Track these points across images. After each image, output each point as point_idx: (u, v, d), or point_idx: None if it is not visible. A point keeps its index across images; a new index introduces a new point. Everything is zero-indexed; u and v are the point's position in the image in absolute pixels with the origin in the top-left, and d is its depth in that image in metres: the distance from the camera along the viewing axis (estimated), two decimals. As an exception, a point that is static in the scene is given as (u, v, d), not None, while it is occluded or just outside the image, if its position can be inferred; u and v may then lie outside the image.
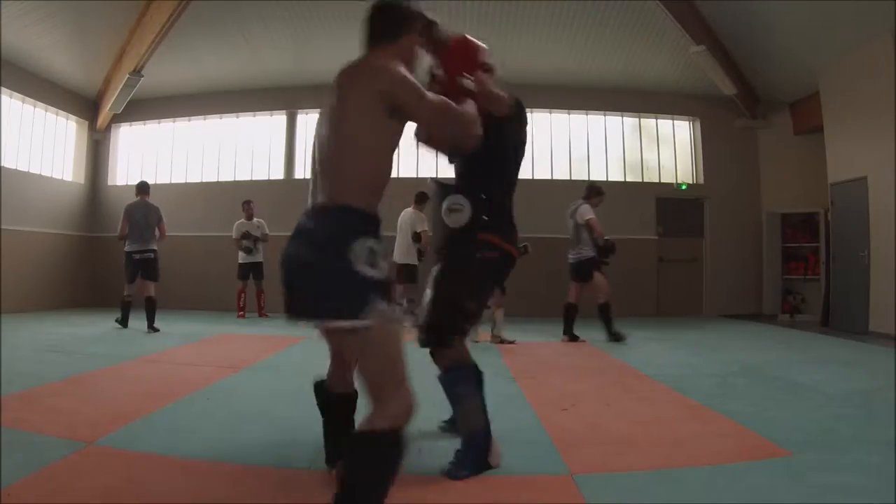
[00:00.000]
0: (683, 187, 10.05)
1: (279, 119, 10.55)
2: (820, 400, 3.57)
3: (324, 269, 1.62)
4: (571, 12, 8.39)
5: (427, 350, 2.42)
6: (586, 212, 6.73)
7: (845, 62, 7.65)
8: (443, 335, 2.38)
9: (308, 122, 10.54)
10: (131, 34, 8.81)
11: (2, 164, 8.48)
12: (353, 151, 1.70)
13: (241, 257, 8.75)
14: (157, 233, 7.04)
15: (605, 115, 10.25)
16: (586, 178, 10.11)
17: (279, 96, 10.31)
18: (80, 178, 10.36)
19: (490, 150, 2.32)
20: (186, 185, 10.54)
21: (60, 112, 9.82)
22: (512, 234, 2.47)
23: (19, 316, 7.69)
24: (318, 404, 2.36)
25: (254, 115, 10.60)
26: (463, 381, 2.39)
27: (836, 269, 8.12)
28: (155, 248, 6.96)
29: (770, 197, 9.89)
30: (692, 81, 9.45)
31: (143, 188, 7.27)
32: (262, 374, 4.36)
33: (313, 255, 1.65)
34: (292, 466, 2.34)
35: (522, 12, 8.39)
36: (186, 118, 10.71)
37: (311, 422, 2.97)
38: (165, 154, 10.74)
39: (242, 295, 8.84)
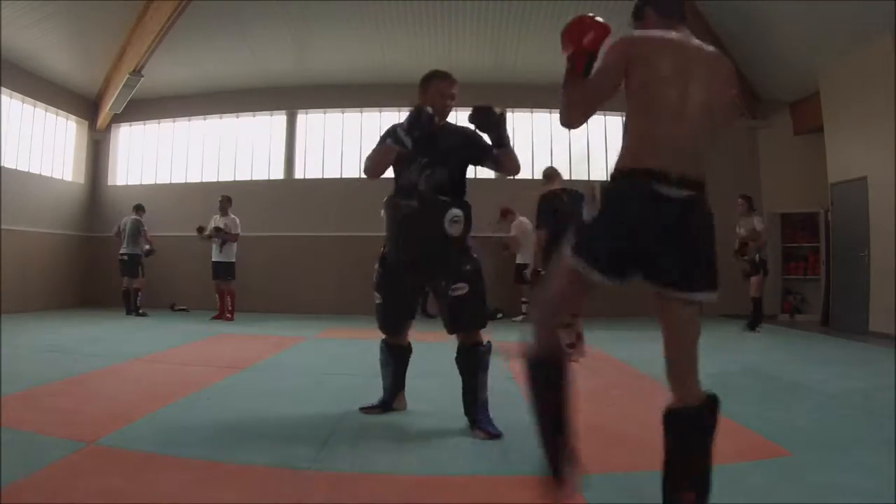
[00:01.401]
0: (683, 187, 10.04)
1: (279, 119, 10.55)
2: (820, 400, 3.57)
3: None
4: (571, 12, 8.35)
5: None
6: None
7: (845, 62, 7.65)
8: (470, 328, 3.01)
9: (308, 122, 10.55)
10: (131, 34, 8.81)
11: (2, 164, 8.49)
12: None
13: (215, 254, 8.55)
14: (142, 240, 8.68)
15: (605, 116, 10.24)
16: (586, 178, 10.13)
17: (279, 96, 10.31)
18: (80, 178, 10.37)
19: (468, 165, 3.07)
20: (186, 185, 10.54)
21: (60, 112, 9.83)
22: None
23: (19, 316, 7.69)
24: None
25: (254, 115, 10.60)
26: (486, 355, 3.02)
27: (836, 269, 8.12)
28: (136, 252, 8.60)
29: (770, 197, 9.88)
30: (692, 81, 9.44)
31: (139, 208, 8.87)
32: (262, 374, 4.36)
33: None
34: (292, 466, 2.34)
35: (522, 12, 8.38)
36: (186, 118, 10.72)
37: (311, 421, 2.98)
38: (165, 154, 10.74)
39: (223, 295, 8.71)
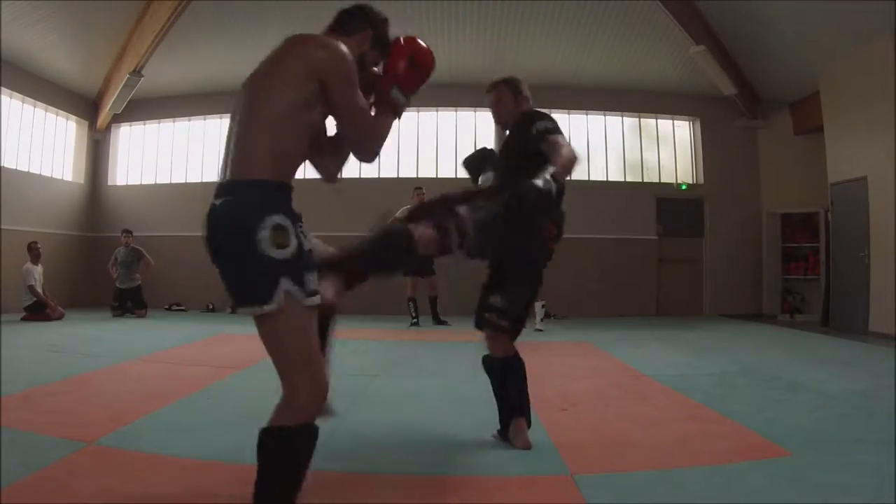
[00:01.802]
0: (683, 187, 10.05)
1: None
2: (820, 400, 3.56)
3: (229, 251, 1.58)
4: (571, 12, 8.39)
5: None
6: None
7: (845, 62, 7.65)
8: (506, 329, 2.68)
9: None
10: (131, 34, 8.81)
11: (2, 164, 8.48)
12: (279, 116, 1.61)
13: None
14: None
15: (605, 115, 10.25)
16: (586, 178, 10.14)
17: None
18: (80, 178, 10.36)
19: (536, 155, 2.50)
20: (186, 185, 10.54)
21: (60, 112, 9.82)
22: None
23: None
24: None
25: (254, 115, 10.59)
26: (519, 367, 2.73)
27: (836, 269, 8.12)
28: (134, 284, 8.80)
29: (770, 197, 9.89)
30: (692, 81, 9.45)
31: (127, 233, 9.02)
32: (262, 374, 4.34)
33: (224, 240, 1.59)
34: (292, 466, 2.34)
35: (522, 12, 8.38)
36: (186, 118, 10.71)
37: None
38: (165, 154, 10.74)
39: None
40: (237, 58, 9.48)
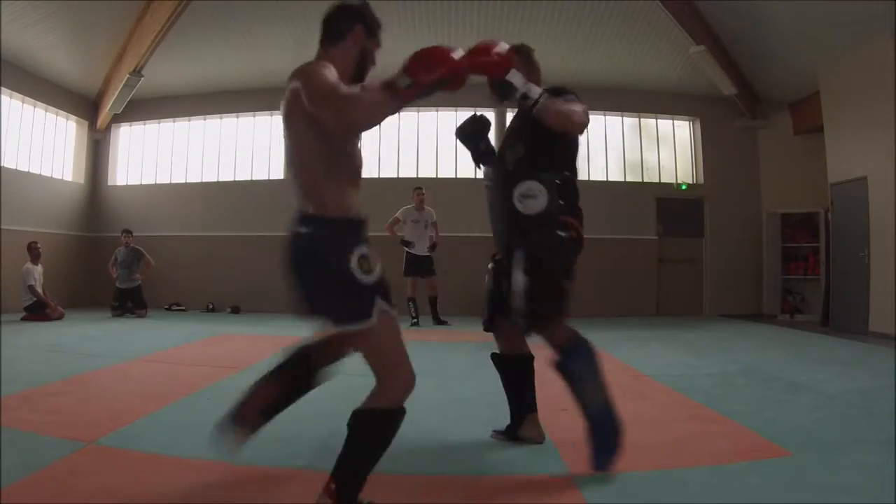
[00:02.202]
0: (683, 187, 10.05)
1: (279, 119, 10.53)
2: (820, 400, 3.57)
3: (323, 280, 1.80)
4: (571, 12, 8.39)
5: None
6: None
7: (845, 62, 7.65)
8: (545, 319, 2.39)
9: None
10: (131, 34, 8.81)
11: (2, 164, 8.49)
12: (302, 159, 1.86)
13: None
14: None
15: (605, 115, 10.24)
16: (586, 179, 10.14)
17: (279, 96, 10.20)
18: (80, 178, 10.36)
19: (553, 135, 2.33)
20: (186, 185, 10.54)
21: (60, 112, 9.82)
22: (582, 219, 2.49)
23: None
24: None
25: (254, 116, 10.59)
26: (581, 359, 2.39)
27: (836, 269, 8.12)
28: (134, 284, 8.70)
29: (770, 197, 9.89)
30: (692, 81, 9.45)
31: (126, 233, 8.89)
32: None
33: (312, 267, 1.82)
34: (292, 466, 2.34)
35: (522, 12, 8.38)
36: (186, 118, 10.71)
37: (311, 421, 2.97)
38: (165, 154, 10.74)
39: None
40: (237, 58, 9.51)
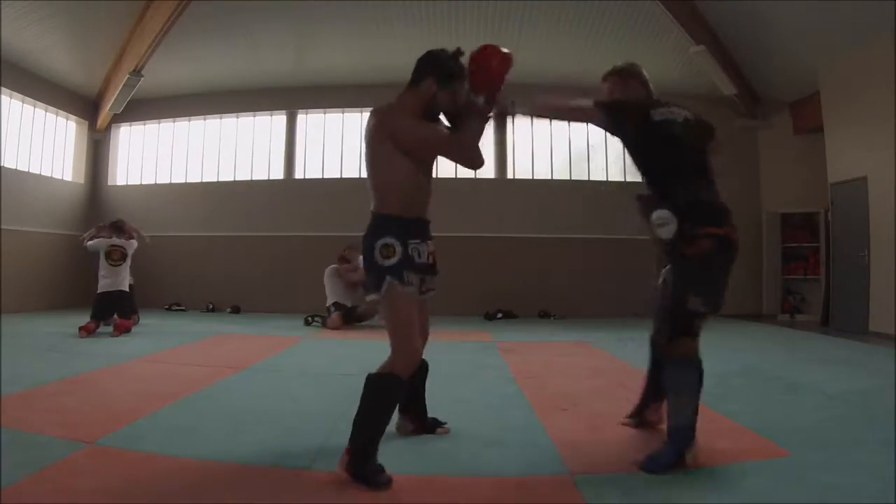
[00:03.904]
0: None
1: (279, 119, 10.56)
2: (820, 400, 3.56)
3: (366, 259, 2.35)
4: (571, 12, 8.39)
5: None
6: None
7: (845, 62, 7.65)
8: (671, 336, 2.48)
9: (308, 122, 10.55)
10: (131, 34, 8.81)
11: (2, 164, 8.49)
12: (377, 173, 2.36)
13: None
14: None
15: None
16: (586, 178, 10.14)
17: (279, 96, 10.32)
18: (80, 178, 10.37)
19: (662, 155, 2.52)
20: (186, 185, 10.54)
21: (60, 112, 9.83)
22: (722, 219, 2.58)
23: (19, 316, 7.68)
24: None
25: (254, 115, 10.60)
26: (686, 374, 2.43)
27: (836, 269, 8.12)
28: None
29: (770, 197, 9.88)
30: (692, 81, 9.45)
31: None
32: (262, 374, 4.36)
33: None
34: (292, 466, 2.34)
35: (523, 12, 8.39)
36: (186, 118, 10.72)
37: (311, 421, 2.98)
38: (165, 154, 10.74)
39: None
40: (237, 58, 9.52)
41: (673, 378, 2.44)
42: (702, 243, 2.46)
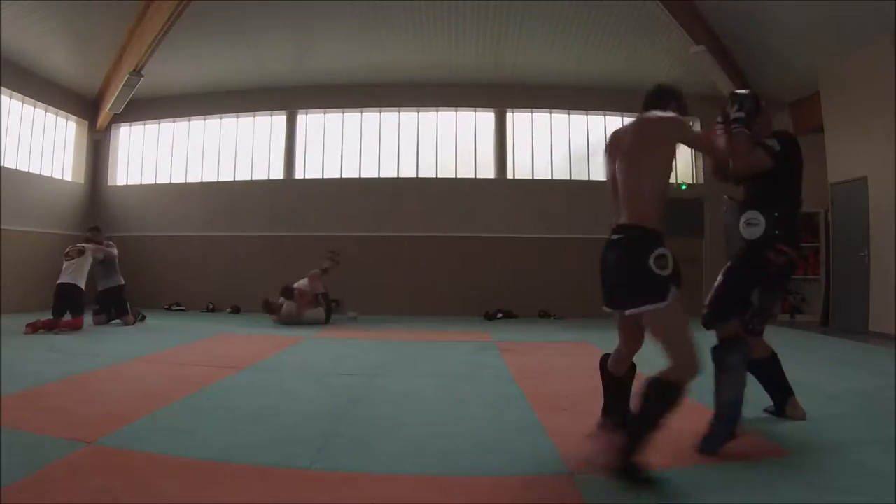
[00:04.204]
0: (683, 187, 10.05)
1: (279, 119, 10.56)
2: (820, 400, 3.56)
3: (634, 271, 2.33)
4: (572, 12, 8.39)
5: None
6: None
7: (845, 62, 7.65)
8: (719, 315, 2.79)
9: (308, 122, 10.55)
10: (131, 34, 8.82)
11: (2, 164, 8.49)
12: (647, 183, 2.44)
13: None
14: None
15: (605, 116, 10.25)
16: (586, 178, 10.14)
17: (279, 96, 10.32)
18: (80, 178, 10.38)
19: (778, 174, 2.80)
20: (186, 185, 10.55)
21: (60, 112, 9.83)
22: (797, 247, 2.84)
23: (19, 316, 7.68)
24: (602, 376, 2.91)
25: (254, 115, 10.60)
26: (734, 353, 2.69)
27: (836, 269, 8.12)
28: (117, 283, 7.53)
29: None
30: (692, 81, 9.45)
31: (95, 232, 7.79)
32: (262, 374, 4.36)
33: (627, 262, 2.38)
34: (292, 466, 2.34)
35: (523, 12, 8.39)
36: (186, 118, 10.72)
37: (311, 421, 2.98)
38: (165, 154, 10.75)
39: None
40: (237, 58, 9.52)
41: (720, 358, 2.69)
42: (781, 258, 2.75)
